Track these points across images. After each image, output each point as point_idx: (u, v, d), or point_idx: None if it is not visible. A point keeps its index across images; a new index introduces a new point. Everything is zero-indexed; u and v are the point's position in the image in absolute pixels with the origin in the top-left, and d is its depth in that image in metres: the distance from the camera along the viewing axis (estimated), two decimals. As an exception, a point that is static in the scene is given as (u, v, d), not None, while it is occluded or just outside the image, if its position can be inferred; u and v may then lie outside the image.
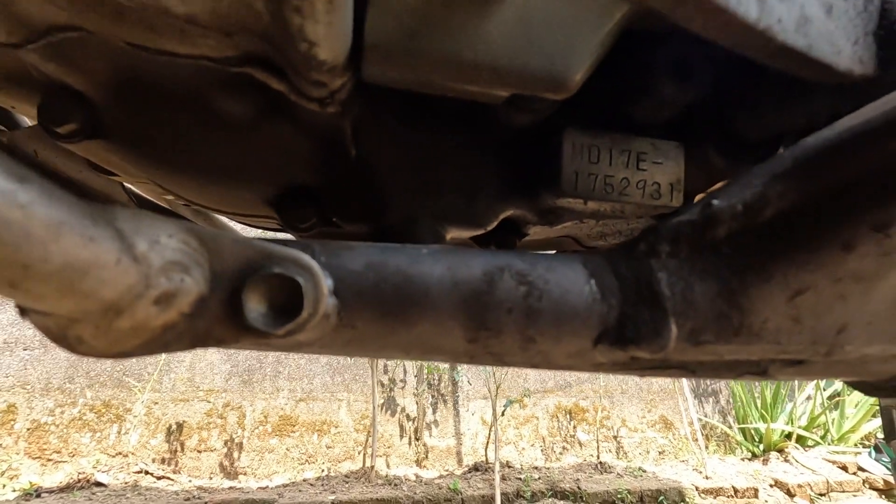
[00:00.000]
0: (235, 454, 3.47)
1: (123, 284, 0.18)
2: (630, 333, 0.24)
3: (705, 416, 4.34)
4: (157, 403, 3.42)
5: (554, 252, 0.30)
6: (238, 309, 0.21)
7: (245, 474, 3.44)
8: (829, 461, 3.67)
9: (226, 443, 3.46)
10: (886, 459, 2.77)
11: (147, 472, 3.18)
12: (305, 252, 0.24)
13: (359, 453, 3.60)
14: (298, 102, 0.29)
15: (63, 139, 0.33)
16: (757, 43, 0.18)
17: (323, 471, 3.51)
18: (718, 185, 0.49)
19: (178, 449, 3.38)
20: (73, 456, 3.14)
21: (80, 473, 2.98)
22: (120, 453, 3.25)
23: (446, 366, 3.90)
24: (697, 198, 0.42)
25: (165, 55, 0.27)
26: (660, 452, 4.10)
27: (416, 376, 3.88)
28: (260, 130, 0.34)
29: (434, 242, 0.36)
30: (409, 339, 0.26)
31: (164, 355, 3.42)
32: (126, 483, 3.02)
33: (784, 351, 0.24)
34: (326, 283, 0.23)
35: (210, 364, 3.59)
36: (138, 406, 3.36)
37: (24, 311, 0.19)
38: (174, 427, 3.41)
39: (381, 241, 0.33)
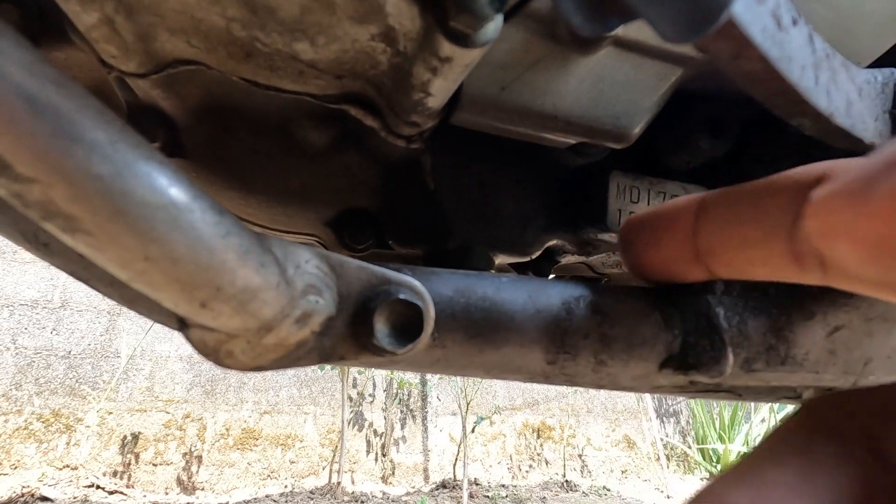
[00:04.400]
0: (194, 468, 3.32)
1: (278, 305, 0.21)
2: (692, 360, 0.28)
3: (666, 436, 4.48)
4: (111, 413, 3.25)
5: (620, 286, 0.34)
6: (361, 329, 0.24)
7: (203, 489, 3.30)
8: (780, 481, 3.84)
9: (184, 456, 3.32)
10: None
11: (98, 487, 3.01)
12: (403, 274, 0.27)
13: (324, 469, 3.52)
14: (387, 138, 0.32)
15: None
16: (820, 126, 0.22)
17: (286, 486, 3.41)
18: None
19: (133, 462, 3.22)
20: (16, 468, 2.93)
21: (24, 487, 2.79)
22: (68, 466, 3.06)
23: (417, 380, 3.88)
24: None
25: (272, 90, 0.29)
26: (623, 471, 4.19)
27: (385, 391, 3.84)
28: (332, 158, 0.36)
29: (485, 268, 0.39)
30: (494, 360, 0.29)
31: (123, 361, 3.27)
32: (75, 498, 2.84)
33: (820, 379, 0.29)
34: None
35: (171, 373, 3.45)
36: (91, 415, 3.18)
37: (185, 326, 0.21)
38: (129, 438, 3.24)
39: (434, 265, 0.35)
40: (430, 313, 0.24)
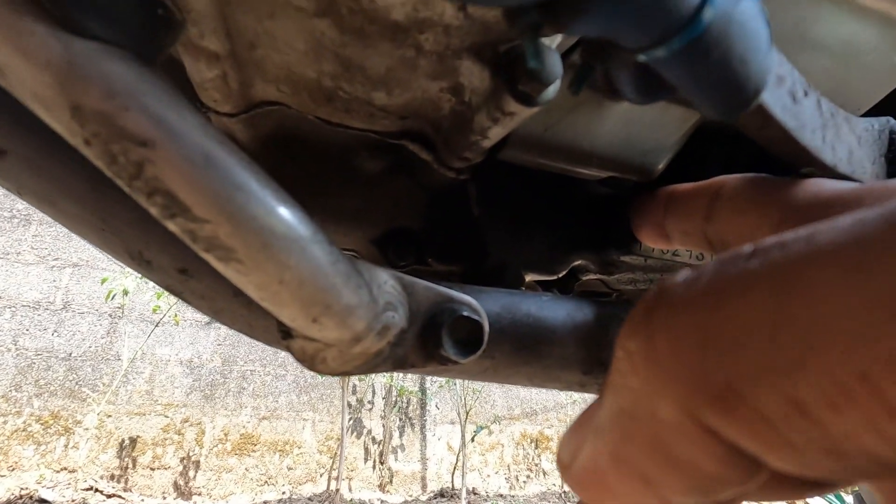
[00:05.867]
0: (191, 473, 3.32)
1: (367, 320, 0.24)
2: None
3: (662, 448, 4.48)
4: (110, 416, 3.26)
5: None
6: (429, 340, 0.27)
7: (200, 494, 3.29)
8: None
9: (182, 460, 3.32)
10: (850, 497, 2.95)
11: (96, 490, 3.00)
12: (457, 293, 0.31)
13: (321, 476, 3.52)
14: (439, 170, 0.36)
15: None
16: (826, 174, 0.26)
17: (283, 493, 3.41)
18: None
19: (130, 465, 3.21)
20: (14, 470, 2.93)
21: (21, 489, 2.79)
22: (66, 468, 3.05)
23: (416, 388, 3.90)
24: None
25: (341, 127, 0.33)
26: (620, 483, 4.19)
27: (384, 398, 3.85)
28: (384, 183, 0.40)
29: (517, 286, 0.43)
30: (537, 370, 0.32)
31: (124, 365, 3.28)
32: (73, 500, 2.84)
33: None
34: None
35: (171, 377, 3.46)
36: (90, 418, 3.18)
37: (289, 336, 0.24)
38: (127, 442, 3.24)
39: (471, 282, 0.39)
40: (487, 328, 0.28)
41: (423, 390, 3.90)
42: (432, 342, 0.27)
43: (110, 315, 3.46)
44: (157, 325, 3.36)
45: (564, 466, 0.17)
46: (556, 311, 0.32)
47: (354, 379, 3.65)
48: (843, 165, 0.27)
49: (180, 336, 3.53)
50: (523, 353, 0.31)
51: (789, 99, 0.21)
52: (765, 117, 0.19)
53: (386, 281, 0.26)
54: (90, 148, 0.16)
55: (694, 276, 0.13)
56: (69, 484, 3.00)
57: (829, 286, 0.11)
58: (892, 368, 0.10)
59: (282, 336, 0.24)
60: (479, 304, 0.31)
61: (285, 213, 0.19)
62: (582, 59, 0.20)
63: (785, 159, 0.25)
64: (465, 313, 0.27)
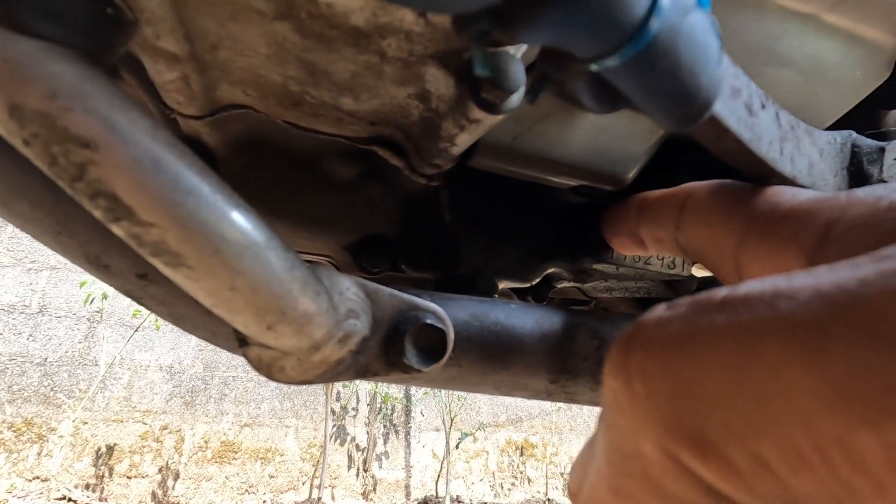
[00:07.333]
0: (170, 481, 3.25)
1: (326, 327, 0.24)
2: None
3: (646, 456, 4.51)
4: (86, 423, 3.17)
5: (613, 314, 0.38)
6: (392, 349, 0.27)
7: (179, 503, 3.22)
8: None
9: (160, 469, 3.24)
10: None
11: (69, 500, 2.92)
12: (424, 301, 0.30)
13: (303, 484, 3.47)
14: (410, 176, 0.35)
15: None
16: (787, 185, 0.27)
17: (265, 501, 3.35)
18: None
19: (107, 474, 3.13)
20: (-17, 479, 2.84)
21: (-9, 499, 2.70)
22: (38, 477, 2.96)
23: (401, 395, 3.87)
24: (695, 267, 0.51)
25: (311, 132, 0.33)
26: (604, 490, 4.20)
27: (368, 405, 3.82)
28: (356, 189, 0.40)
29: (490, 293, 0.42)
30: (504, 379, 0.32)
31: (102, 370, 3.21)
32: (45, 511, 2.76)
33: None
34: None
35: (150, 383, 3.39)
36: (66, 425, 3.10)
37: (245, 344, 0.24)
38: (104, 450, 3.16)
39: (444, 289, 0.39)
40: (451, 337, 0.28)
41: (407, 397, 3.88)
42: (395, 350, 0.26)
43: (88, 319, 3.39)
44: (136, 330, 3.30)
45: (573, 495, 0.18)
46: (525, 319, 0.32)
47: (339, 385, 3.62)
48: (803, 177, 0.28)
49: (161, 341, 3.46)
50: (490, 362, 0.31)
51: (745, 111, 0.21)
52: (719, 128, 0.20)
53: (348, 288, 0.26)
54: (29, 148, 0.16)
55: (666, 318, 0.14)
56: (41, 493, 2.92)
57: (788, 362, 0.11)
58: (843, 448, 0.10)
59: (238, 344, 0.24)
60: (446, 311, 0.30)
61: (238, 219, 0.19)
62: (537, 69, 0.20)
63: (742, 170, 0.25)
64: (429, 321, 0.26)
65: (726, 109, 0.19)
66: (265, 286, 0.20)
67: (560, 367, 0.31)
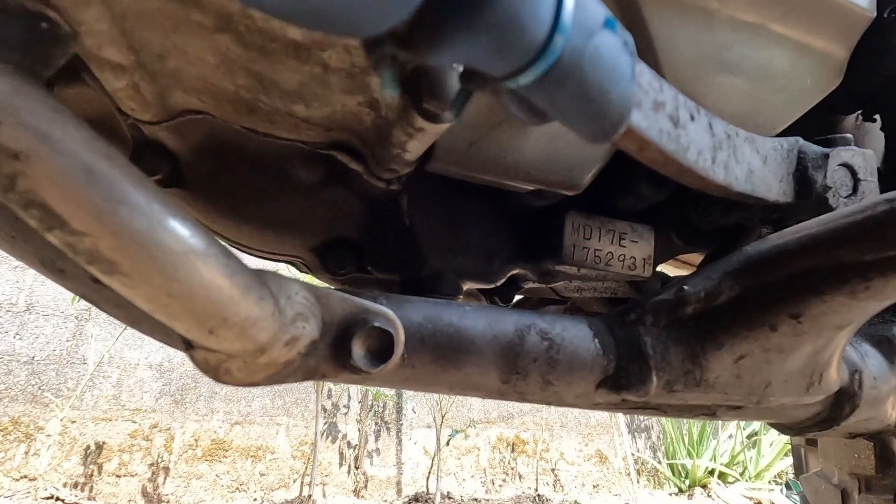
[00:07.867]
0: (160, 479, 3.24)
1: (272, 331, 0.25)
2: (623, 381, 0.33)
3: (638, 451, 4.56)
4: (74, 422, 3.15)
5: (567, 314, 0.38)
6: (341, 351, 0.28)
7: (169, 502, 3.21)
8: (747, 497, 3.97)
9: (150, 467, 3.23)
10: (797, 497, 3.04)
11: (57, 499, 2.90)
12: (378, 303, 0.31)
13: (295, 481, 3.47)
14: (369, 180, 0.36)
15: None
16: (721, 192, 0.28)
17: (255, 500, 3.35)
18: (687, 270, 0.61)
19: (95, 472, 3.12)
20: (-30, 478, 2.82)
21: (-23, 498, 2.68)
22: (26, 476, 2.94)
23: (392, 392, 3.88)
24: (659, 267, 0.52)
25: (269, 137, 0.33)
26: (594, 486, 4.25)
27: (360, 402, 3.82)
28: (320, 192, 0.40)
29: (454, 294, 0.43)
30: (456, 379, 0.33)
31: (90, 368, 3.18)
32: (32, 510, 2.74)
33: (729, 399, 0.34)
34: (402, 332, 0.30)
35: (140, 381, 3.37)
36: (53, 424, 3.08)
37: (190, 347, 0.24)
38: (92, 448, 3.14)
39: (409, 291, 0.40)
40: (401, 339, 0.29)
41: (399, 394, 3.89)
42: (343, 353, 0.27)
43: (76, 317, 3.36)
44: (125, 328, 3.28)
45: None
46: (478, 321, 0.33)
47: (330, 383, 3.62)
48: (740, 184, 0.29)
49: (150, 339, 3.44)
50: (442, 363, 0.32)
51: (669, 123, 0.22)
52: (640, 141, 0.21)
53: (297, 292, 0.27)
54: (-41, 161, 0.16)
55: None
56: (28, 492, 2.90)
57: None
58: None
59: (184, 347, 0.24)
60: (401, 314, 0.31)
61: (174, 227, 0.19)
62: (460, 85, 0.21)
63: (678, 181, 0.26)
64: (378, 324, 0.27)
65: (646, 122, 0.20)
66: (203, 292, 0.21)
67: (511, 367, 0.32)
